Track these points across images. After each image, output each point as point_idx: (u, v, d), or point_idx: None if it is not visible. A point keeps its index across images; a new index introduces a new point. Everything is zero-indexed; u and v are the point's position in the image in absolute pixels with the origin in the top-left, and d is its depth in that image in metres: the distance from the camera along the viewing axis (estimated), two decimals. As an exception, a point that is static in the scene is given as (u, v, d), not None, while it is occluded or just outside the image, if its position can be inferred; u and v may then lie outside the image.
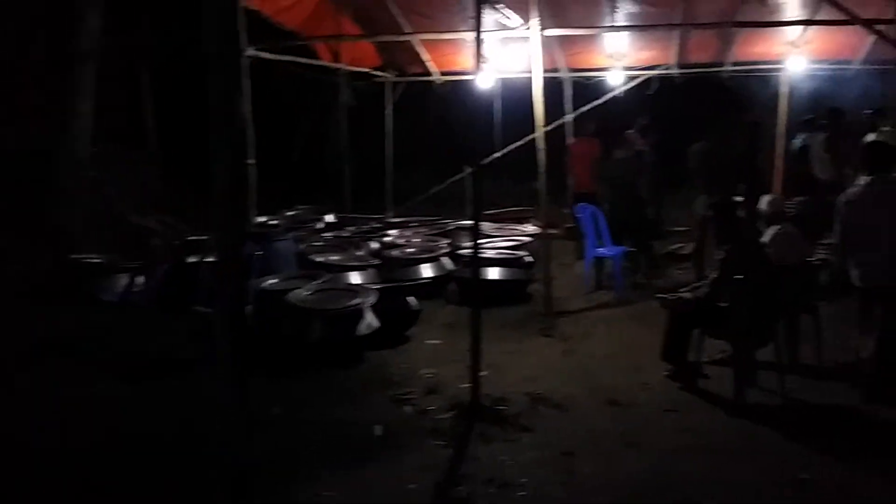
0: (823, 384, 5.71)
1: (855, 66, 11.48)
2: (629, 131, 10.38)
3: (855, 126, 9.95)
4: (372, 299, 6.58)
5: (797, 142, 10.69)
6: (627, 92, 12.00)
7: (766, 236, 6.13)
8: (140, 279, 7.82)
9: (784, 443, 4.78)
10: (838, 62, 11.57)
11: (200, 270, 7.22)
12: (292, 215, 11.27)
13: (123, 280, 7.81)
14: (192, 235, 9.24)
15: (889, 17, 7.88)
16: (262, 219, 9.70)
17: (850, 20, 6.92)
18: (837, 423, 5.13)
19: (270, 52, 8.97)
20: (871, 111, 9.91)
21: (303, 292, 6.59)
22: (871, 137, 9.74)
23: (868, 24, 7.22)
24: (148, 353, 6.41)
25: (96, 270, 8.04)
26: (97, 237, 9.29)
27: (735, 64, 11.87)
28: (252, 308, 6.39)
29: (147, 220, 10.60)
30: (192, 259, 7.93)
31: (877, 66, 11.02)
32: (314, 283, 6.92)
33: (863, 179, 5.46)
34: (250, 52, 8.34)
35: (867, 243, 5.32)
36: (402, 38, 10.99)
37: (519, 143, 12.08)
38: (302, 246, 8.61)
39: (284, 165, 16.19)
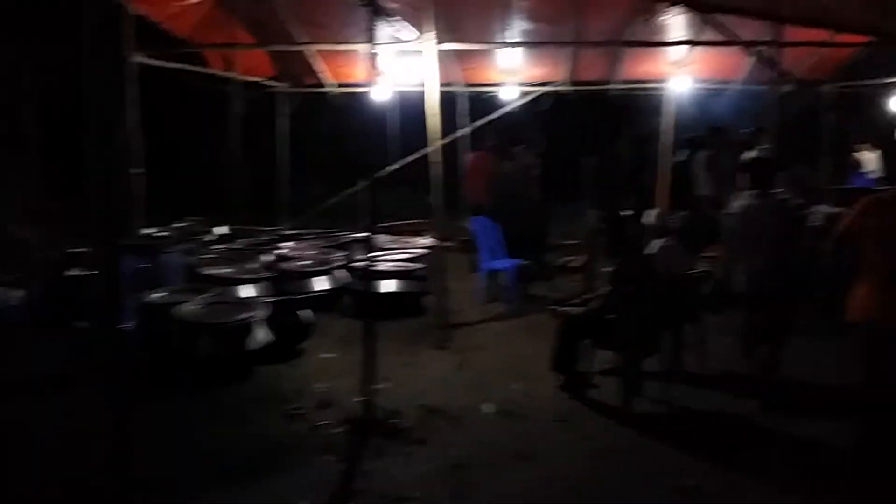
0: (707, 392, 5.93)
1: (735, 86, 12.05)
2: (518, 146, 10.57)
3: (735, 144, 10.43)
4: (263, 313, 6.45)
5: (681, 158, 11.11)
6: (522, 107, 12.26)
7: (652, 249, 6.33)
8: (18, 293, 7.43)
9: (671, 450, 4.93)
10: (720, 82, 12.12)
11: (82, 284, 6.91)
12: (182, 227, 10.93)
13: (1, 294, 7.40)
14: (73, 248, 8.85)
15: (767, 39, 8.32)
16: (149, 230, 9.38)
17: (731, 41, 7.24)
18: (722, 429, 5.33)
19: (159, 59, 8.70)
20: (749, 130, 10.41)
21: (191, 306, 6.40)
22: (750, 155, 10.23)
23: (747, 45, 7.58)
24: (24, 369, 6.09)
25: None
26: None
27: (624, 82, 12.26)
28: (138, 323, 6.17)
29: (26, 231, 10.10)
30: (73, 272, 7.59)
31: (756, 87, 11.59)
32: (203, 296, 6.73)
33: (747, 194, 5.76)
34: (137, 58, 8.07)
35: (752, 253, 5.65)
36: (295, 48, 10.86)
37: (414, 157, 12.17)
38: (192, 258, 8.36)
39: (177, 176, 15.73)
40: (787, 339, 5.76)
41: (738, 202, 5.80)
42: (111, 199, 2.57)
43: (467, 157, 11.35)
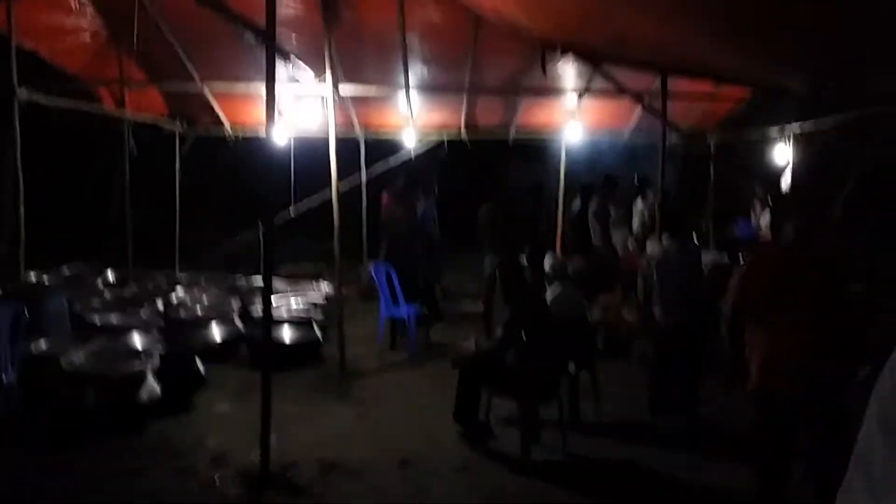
0: (603, 440, 6.04)
1: (625, 136, 12.51)
2: (415, 191, 10.67)
3: (625, 193, 10.84)
4: (154, 363, 6.21)
5: (576, 205, 11.42)
6: (420, 152, 12.40)
7: (549, 294, 6.45)
8: None
9: (566, 497, 4.98)
10: (610, 131, 12.55)
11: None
12: (68, 272, 10.49)
13: None
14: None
15: (653, 89, 8.68)
16: (33, 275, 8.95)
17: (619, 91, 7.52)
18: (617, 477, 5.42)
19: (47, 94, 8.38)
20: (637, 179, 10.82)
21: (77, 356, 6.11)
22: (639, 203, 10.63)
23: (635, 95, 7.89)
24: None
25: None
26: None
27: (519, 129, 12.55)
28: (18, 374, 5.84)
29: None
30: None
31: (643, 136, 12.06)
32: (90, 345, 6.44)
33: (664, 241, 6.49)
34: (23, 94, 7.75)
35: (667, 292, 6.20)
36: (190, 88, 10.65)
37: (313, 201, 12.10)
38: (78, 305, 8.00)
39: (63, 216, 15.10)
40: (698, 371, 6.19)
41: (654, 246, 6.47)
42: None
43: (383, 198, 11.31)
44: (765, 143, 12.01)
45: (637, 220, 10.65)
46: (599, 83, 9.59)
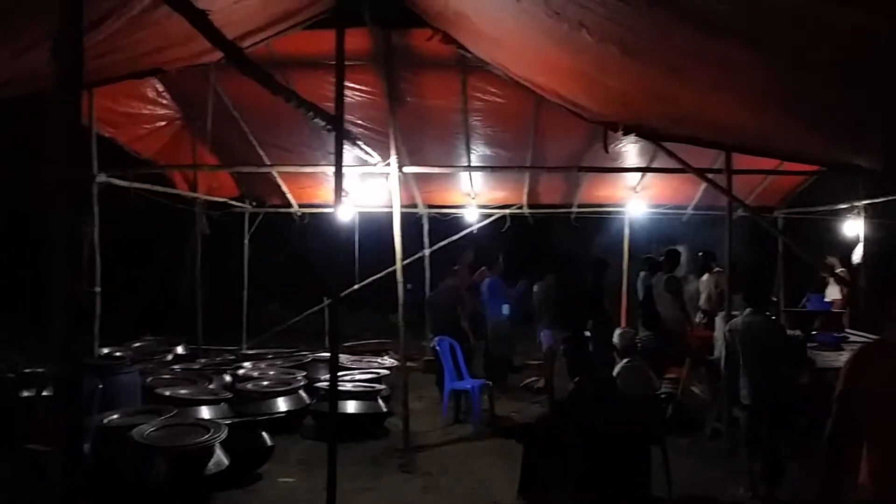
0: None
1: (688, 211, 12.46)
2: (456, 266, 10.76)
3: (690, 267, 10.72)
4: (222, 435, 6.26)
5: (641, 280, 11.33)
6: (483, 228, 12.54)
7: (617, 369, 6.36)
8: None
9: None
10: (674, 206, 12.52)
11: (35, 405, 6.69)
12: (139, 346, 10.75)
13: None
14: (26, 368, 8.60)
15: (717, 167, 8.66)
16: (105, 350, 9.19)
17: (683, 168, 7.52)
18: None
19: (124, 178, 8.77)
20: (702, 253, 10.70)
21: (147, 428, 6.19)
22: (705, 277, 10.49)
23: (699, 172, 7.88)
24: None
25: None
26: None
27: (581, 205, 12.60)
28: (91, 446, 5.95)
29: (-24, 350, 9.83)
30: (25, 393, 7.36)
31: (707, 212, 12.00)
32: (159, 418, 6.54)
33: (747, 311, 6.21)
34: (102, 178, 8.13)
35: (751, 367, 6.04)
36: (261, 170, 11.04)
37: (377, 276, 12.26)
38: (148, 379, 8.17)
39: (135, 295, 15.56)
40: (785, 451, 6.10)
41: (738, 319, 6.25)
42: (75, 320, 2.53)
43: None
44: (835, 217, 11.84)
45: (704, 295, 10.49)
46: (662, 160, 9.62)
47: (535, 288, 10.01)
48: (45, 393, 6.58)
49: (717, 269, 10.14)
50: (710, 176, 8.01)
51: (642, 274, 11.14)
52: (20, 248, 13.08)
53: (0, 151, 12.88)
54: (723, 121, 6.09)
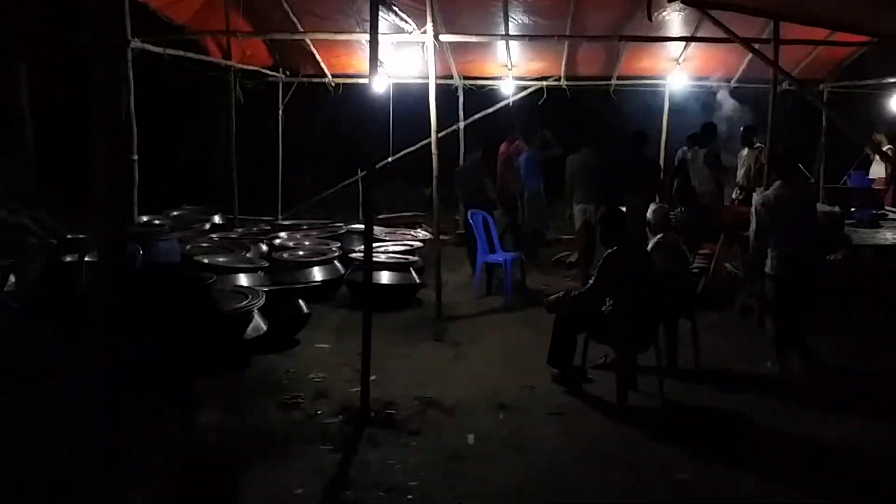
0: (701, 389, 5.96)
1: (731, 84, 12.10)
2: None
3: (730, 141, 10.50)
4: (260, 302, 6.43)
5: (679, 155, 11.16)
6: (519, 101, 12.32)
7: (651, 243, 6.36)
8: (11, 278, 7.40)
9: (663, 445, 4.94)
10: (717, 79, 12.16)
11: (78, 270, 6.89)
12: (177, 215, 10.93)
13: (-6, 279, 7.37)
14: (69, 233, 8.81)
15: (765, 37, 8.34)
16: (145, 218, 9.37)
17: (729, 38, 7.25)
18: (714, 426, 5.35)
19: (157, 45, 8.68)
20: (744, 127, 10.45)
21: (187, 294, 6.38)
22: (745, 152, 10.29)
23: (745, 42, 7.59)
24: (17, 357, 6.06)
25: (-36, 269, 7.55)
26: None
27: (620, 78, 12.29)
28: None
29: (20, 216, 10.05)
30: (68, 258, 7.57)
31: (751, 84, 11.64)
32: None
33: (776, 184, 6.27)
34: (135, 44, 8.05)
35: (780, 238, 6.16)
36: (295, 38, 10.85)
37: (412, 149, 12.20)
38: (187, 247, 8.35)
39: (171, 164, 15.70)
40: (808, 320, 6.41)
41: (768, 192, 6.33)
42: (116, 186, 2.56)
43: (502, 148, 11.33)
44: (884, 91, 11.42)
45: (743, 170, 10.32)
46: (707, 30, 9.27)
47: (568, 160, 9.88)
48: (87, 258, 6.74)
49: (758, 144, 9.93)
50: (756, 46, 7.71)
51: (682, 149, 10.97)
52: (60, 120, 13.20)
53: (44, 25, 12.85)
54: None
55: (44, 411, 5.11)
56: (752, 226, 6.40)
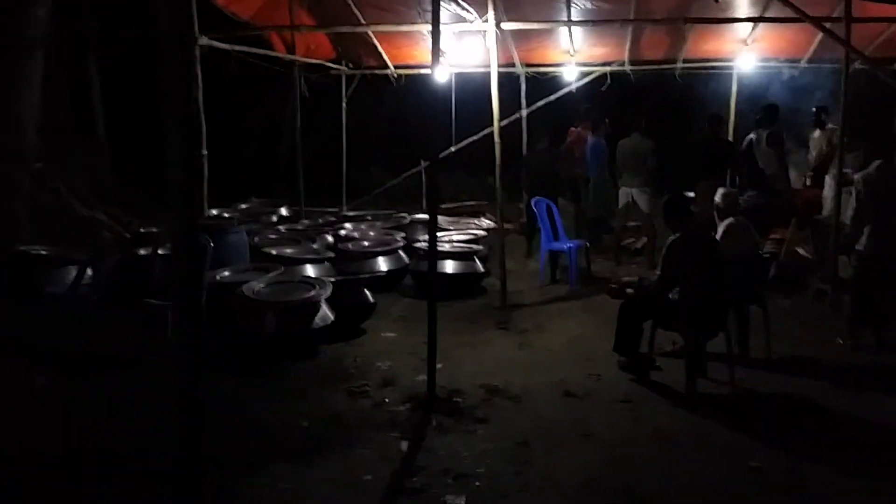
0: (772, 375, 5.84)
1: (802, 64, 11.77)
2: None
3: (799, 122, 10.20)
4: (327, 292, 6.52)
5: (750, 138, 10.90)
6: (583, 87, 12.20)
7: (720, 229, 6.25)
8: (88, 272, 7.65)
9: (734, 433, 4.86)
10: (787, 60, 11.84)
11: (152, 263, 7.09)
12: (245, 208, 11.16)
13: (71, 273, 7.62)
14: (141, 227, 9.07)
15: (836, 15, 8.08)
16: (214, 211, 9.58)
17: (799, 18, 7.06)
18: (787, 413, 5.25)
19: (223, 41, 8.85)
20: (816, 108, 10.16)
21: (256, 285, 6.52)
22: (816, 133, 10.00)
23: (816, 21, 7.38)
24: (95, 347, 6.29)
25: (43, 263, 7.84)
26: (44, 229, 9.06)
27: (686, 61, 12.06)
28: (204, 302, 6.29)
29: (95, 211, 10.39)
30: (142, 251, 7.79)
31: (823, 64, 11.30)
32: (268, 275, 6.85)
33: (875, 163, 6.35)
34: (203, 40, 8.22)
35: (875, 217, 6.26)
36: (357, 30, 10.93)
37: (475, 137, 12.20)
38: (256, 239, 8.53)
39: (238, 157, 16.01)
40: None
41: (870, 170, 6.36)
42: (189, 179, 2.63)
43: (571, 133, 11.30)
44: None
45: (814, 153, 10.04)
46: (776, 9, 9.03)
47: (619, 145, 9.85)
48: (161, 251, 6.94)
49: (829, 125, 9.65)
50: (827, 25, 7.48)
51: (753, 132, 10.72)
52: (131, 116, 13.58)
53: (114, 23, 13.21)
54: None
55: (128, 400, 5.28)
56: (853, 204, 6.41)
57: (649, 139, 9.56)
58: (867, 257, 6.33)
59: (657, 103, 14.21)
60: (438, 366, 5.37)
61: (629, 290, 6.26)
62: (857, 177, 6.52)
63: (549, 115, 12.33)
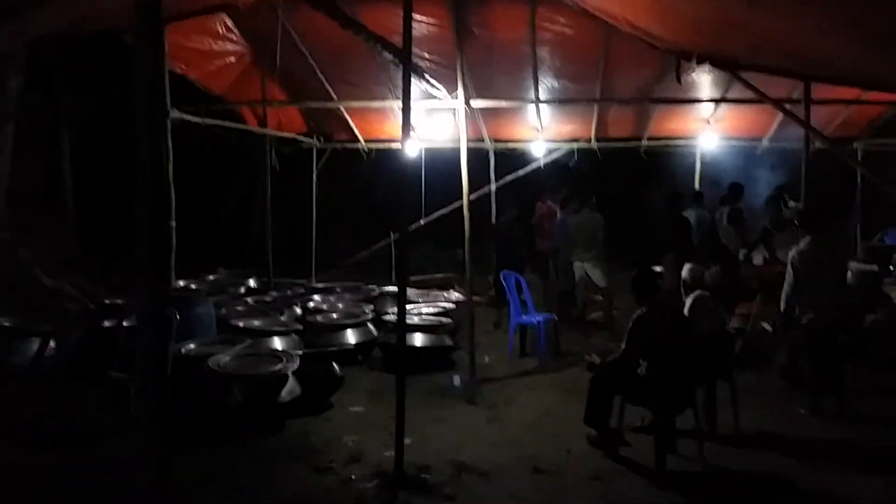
0: (741, 451, 5.84)
1: (763, 143, 12.11)
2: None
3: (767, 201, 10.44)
4: (294, 365, 6.46)
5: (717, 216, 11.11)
6: (550, 163, 12.42)
7: (687, 303, 6.31)
8: (52, 344, 7.52)
9: (705, 509, 4.84)
10: (748, 139, 12.18)
11: (117, 335, 6.99)
12: (213, 279, 11.08)
13: (35, 344, 7.48)
14: (107, 298, 8.95)
15: (795, 96, 8.37)
16: (182, 282, 9.50)
17: (760, 99, 7.29)
18: (755, 490, 5.23)
19: (196, 114, 8.92)
20: (777, 187, 10.43)
21: (223, 357, 6.44)
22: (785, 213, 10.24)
23: (776, 103, 7.63)
24: (61, 420, 6.14)
25: (6, 334, 7.69)
26: (8, 300, 8.92)
27: (651, 139, 12.36)
28: (169, 374, 6.19)
29: (61, 282, 10.26)
30: (107, 323, 7.68)
31: (785, 144, 11.65)
32: (235, 348, 6.77)
33: (807, 239, 6.76)
34: (175, 114, 8.28)
35: (812, 289, 6.60)
36: (329, 106, 11.09)
37: (444, 211, 12.30)
38: (223, 310, 8.44)
39: (207, 229, 15.95)
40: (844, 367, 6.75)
41: (801, 245, 6.75)
42: (158, 252, 2.62)
43: (540, 207, 11.47)
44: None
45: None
46: (737, 91, 9.33)
47: (570, 221, 10.13)
48: (126, 323, 6.84)
49: (792, 204, 9.88)
50: (787, 107, 7.74)
51: (717, 209, 10.94)
52: (102, 186, 13.55)
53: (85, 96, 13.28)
54: (802, 49, 5.85)
55: (92, 475, 5.14)
56: (789, 279, 6.67)
57: (598, 214, 9.85)
58: (812, 329, 6.62)
59: (625, 178, 14.51)
60: (407, 441, 5.30)
61: (595, 362, 6.28)
62: (790, 252, 6.85)
63: (518, 189, 12.49)
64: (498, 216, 12.02)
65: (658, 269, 8.63)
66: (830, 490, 5.10)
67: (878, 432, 6.25)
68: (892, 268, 8.88)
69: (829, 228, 6.84)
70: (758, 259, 10.08)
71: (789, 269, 6.71)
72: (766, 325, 8.78)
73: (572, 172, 12.66)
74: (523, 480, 5.27)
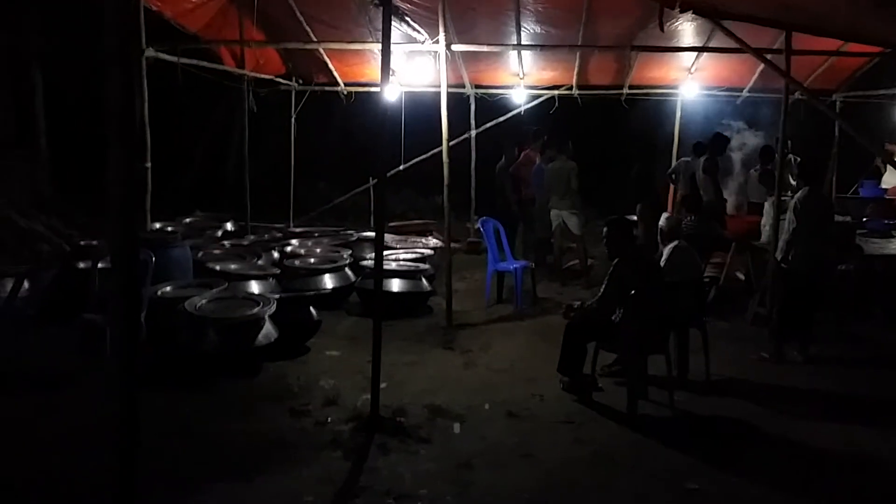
0: (711, 398, 5.95)
1: (744, 93, 12.11)
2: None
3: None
4: (271, 309, 6.46)
5: (682, 165, 11.13)
6: (531, 109, 12.34)
7: (665, 252, 6.36)
8: (25, 285, 7.45)
9: (673, 454, 4.93)
10: (729, 89, 12.15)
11: (91, 277, 6.94)
12: (190, 222, 10.99)
13: (8, 285, 7.42)
14: (81, 240, 8.87)
15: (777, 47, 8.33)
16: (157, 224, 9.41)
17: (741, 48, 7.26)
18: (724, 434, 5.35)
19: (171, 54, 8.74)
20: (763, 148, 10.44)
21: (199, 301, 6.41)
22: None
23: (757, 52, 7.59)
24: (32, 362, 6.13)
25: (-22, 275, 7.61)
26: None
27: (632, 87, 12.30)
28: (145, 317, 6.19)
29: (34, 223, 10.15)
30: (81, 264, 7.62)
31: (764, 94, 11.65)
32: (211, 291, 6.75)
33: (804, 189, 6.91)
34: (150, 52, 8.10)
35: (804, 237, 6.75)
36: (307, 47, 10.91)
37: (424, 156, 12.24)
38: (200, 253, 8.39)
39: (184, 171, 15.79)
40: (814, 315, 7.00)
41: (799, 195, 6.88)
42: (131, 192, 2.59)
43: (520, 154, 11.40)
44: (891, 103, 11.40)
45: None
46: (719, 40, 9.28)
47: (546, 169, 10.14)
48: (101, 265, 6.79)
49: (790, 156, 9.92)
50: (768, 57, 7.71)
51: (689, 159, 10.96)
52: (73, 127, 13.32)
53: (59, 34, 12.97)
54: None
55: (61, 416, 5.16)
56: (790, 225, 6.82)
57: (572, 161, 9.84)
58: (794, 274, 6.81)
59: (604, 126, 14.47)
60: (383, 385, 5.35)
61: (574, 306, 6.33)
62: (790, 201, 6.94)
63: (497, 135, 12.44)
64: (478, 163, 12.00)
65: (633, 217, 8.69)
66: (794, 435, 5.23)
67: (840, 378, 6.46)
68: (865, 220, 8.97)
69: (824, 179, 6.95)
70: (731, 209, 10.16)
71: (790, 216, 6.80)
72: (739, 274, 8.89)
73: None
74: (497, 424, 5.35)
